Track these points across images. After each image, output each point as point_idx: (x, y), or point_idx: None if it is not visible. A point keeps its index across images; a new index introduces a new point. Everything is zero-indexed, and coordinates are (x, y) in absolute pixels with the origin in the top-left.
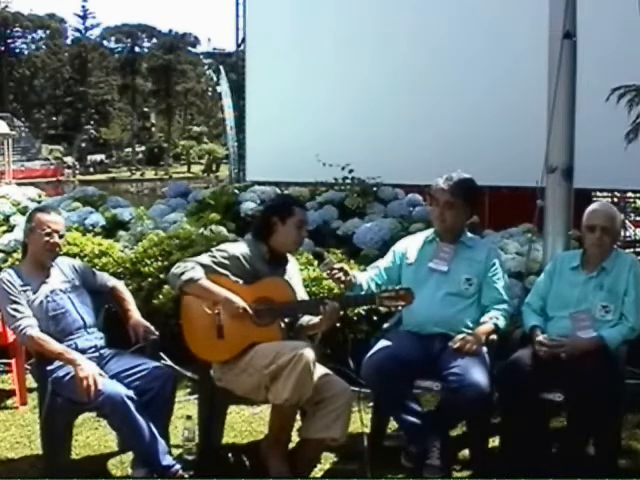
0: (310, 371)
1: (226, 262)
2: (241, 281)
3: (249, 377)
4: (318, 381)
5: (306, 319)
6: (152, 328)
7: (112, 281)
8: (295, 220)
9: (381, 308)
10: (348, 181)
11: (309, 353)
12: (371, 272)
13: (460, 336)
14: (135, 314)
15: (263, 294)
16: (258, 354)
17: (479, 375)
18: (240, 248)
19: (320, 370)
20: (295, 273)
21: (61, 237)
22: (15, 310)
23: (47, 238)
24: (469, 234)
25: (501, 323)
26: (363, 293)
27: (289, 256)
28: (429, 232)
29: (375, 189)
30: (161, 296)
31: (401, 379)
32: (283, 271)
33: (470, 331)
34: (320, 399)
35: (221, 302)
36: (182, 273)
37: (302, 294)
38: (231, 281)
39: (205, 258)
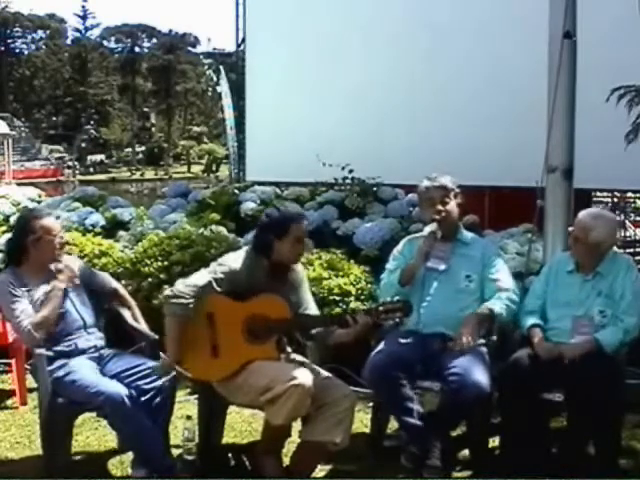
0: (307, 397)
1: (224, 277)
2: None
3: (245, 395)
4: (320, 385)
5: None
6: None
7: (114, 283)
8: (292, 238)
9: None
10: (348, 181)
11: (306, 380)
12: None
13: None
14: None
15: (258, 311)
16: (253, 374)
17: (479, 375)
18: (241, 261)
19: (321, 373)
20: (301, 282)
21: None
22: (18, 311)
23: (58, 240)
24: (465, 231)
25: (497, 308)
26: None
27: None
28: (425, 231)
29: (375, 189)
30: (161, 296)
31: (403, 381)
32: (286, 282)
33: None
34: (322, 403)
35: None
36: (170, 300)
37: (309, 302)
38: (227, 299)
39: (205, 276)
